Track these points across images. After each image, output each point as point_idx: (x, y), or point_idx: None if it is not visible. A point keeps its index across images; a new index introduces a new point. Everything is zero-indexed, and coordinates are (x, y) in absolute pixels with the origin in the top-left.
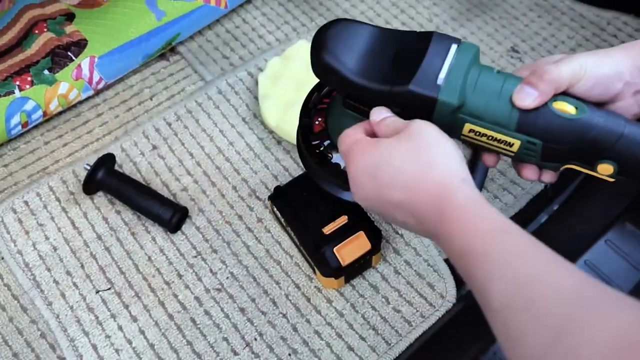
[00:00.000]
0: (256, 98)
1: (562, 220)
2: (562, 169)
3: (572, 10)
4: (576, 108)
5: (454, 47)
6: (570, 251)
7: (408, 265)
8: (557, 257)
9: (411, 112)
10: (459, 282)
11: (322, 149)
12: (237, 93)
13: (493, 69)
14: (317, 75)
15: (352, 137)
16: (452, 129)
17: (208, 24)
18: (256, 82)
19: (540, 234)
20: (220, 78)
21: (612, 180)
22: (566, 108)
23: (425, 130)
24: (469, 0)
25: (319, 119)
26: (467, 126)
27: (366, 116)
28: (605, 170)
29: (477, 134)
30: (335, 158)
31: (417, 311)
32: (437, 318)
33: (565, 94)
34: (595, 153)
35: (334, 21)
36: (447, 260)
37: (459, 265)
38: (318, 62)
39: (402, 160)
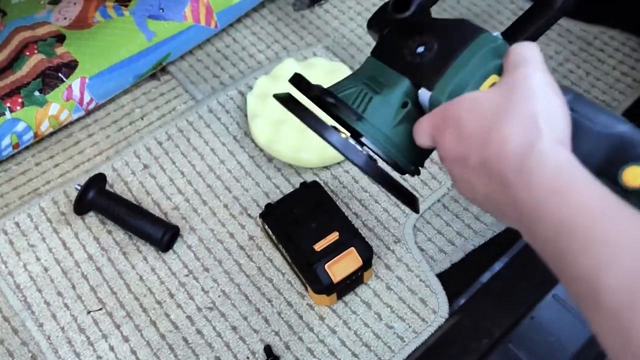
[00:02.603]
0: (247, 116)
1: None
2: None
3: (559, 26)
4: None
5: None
6: None
7: (400, 281)
8: None
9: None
10: (451, 296)
11: None
12: (227, 111)
13: None
14: None
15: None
16: None
17: (198, 44)
18: (247, 101)
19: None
20: (210, 97)
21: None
22: None
23: (531, 79)
24: (461, 17)
25: None
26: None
27: None
28: (634, 177)
29: None
30: None
31: (410, 327)
32: (430, 333)
33: None
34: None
35: None
36: (439, 275)
37: (547, 249)
38: None
39: (496, 111)
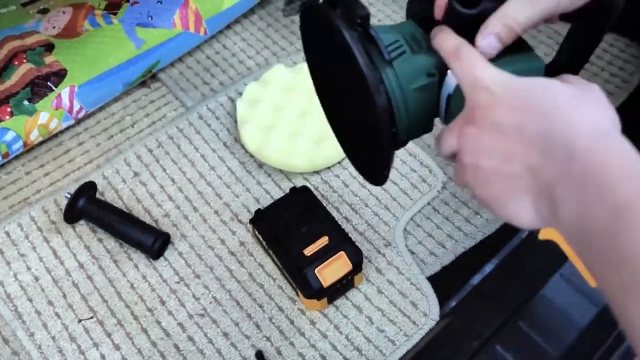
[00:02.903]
0: (237, 122)
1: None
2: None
3: (548, 28)
4: None
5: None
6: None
7: (391, 285)
8: None
9: None
10: (442, 299)
11: None
12: (217, 118)
13: None
14: None
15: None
16: None
17: (188, 51)
18: (236, 107)
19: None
20: (200, 103)
21: None
22: None
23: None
24: None
25: None
26: None
27: None
28: None
29: None
30: None
31: (401, 330)
32: (421, 336)
33: None
34: None
35: None
36: (429, 278)
37: (596, 228)
38: None
39: (571, 95)
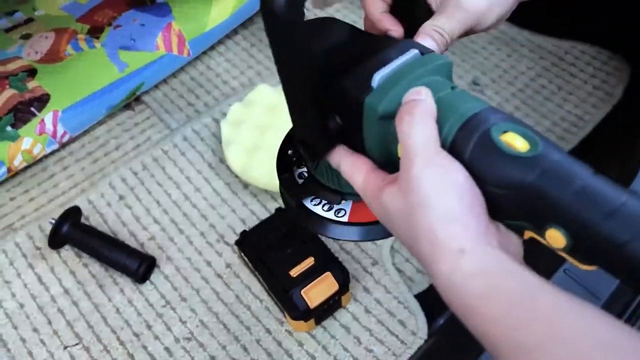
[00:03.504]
0: (222, 143)
1: None
2: (525, 237)
3: (530, 42)
4: (529, 143)
5: (413, 52)
6: None
7: (378, 304)
8: None
9: (346, 119)
10: (430, 317)
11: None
12: (202, 139)
13: (455, 87)
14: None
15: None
16: (384, 145)
17: (172, 72)
18: (221, 128)
19: None
20: (185, 125)
21: (576, 263)
22: (516, 143)
23: (420, 184)
24: None
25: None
26: (399, 146)
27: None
28: (555, 239)
29: None
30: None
31: (389, 350)
32: (409, 355)
33: (515, 122)
34: (541, 209)
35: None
36: (417, 296)
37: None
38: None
39: (404, 218)
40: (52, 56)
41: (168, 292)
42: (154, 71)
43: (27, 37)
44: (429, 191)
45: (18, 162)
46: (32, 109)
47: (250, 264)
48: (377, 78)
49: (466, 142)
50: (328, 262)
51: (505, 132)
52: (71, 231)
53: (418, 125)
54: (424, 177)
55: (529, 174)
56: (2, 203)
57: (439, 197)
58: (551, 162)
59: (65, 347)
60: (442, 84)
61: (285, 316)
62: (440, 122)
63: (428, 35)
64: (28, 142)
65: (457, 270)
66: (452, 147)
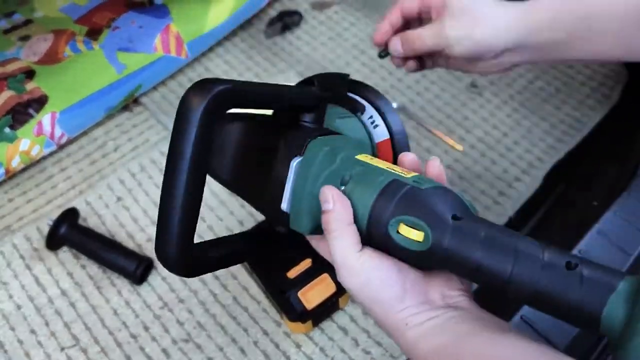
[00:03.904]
0: None
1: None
2: None
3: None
4: (424, 234)
5: (294, 163)
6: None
7: None
8: None
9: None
10: None
11: None
12: None
13: (355, 164)
14: None
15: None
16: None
17: (170, 74)
18: None
19: None
20: None
21: None
22: (412, 235)
23: (353, 293)
24: None
25: None
26: None
27: None
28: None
29: None
30: None
31: (387, 352)
32: (406, 358)
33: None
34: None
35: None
36: None
37: None
38: None
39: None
40: (51, 58)
41: (165, 293)
42: (152, 73)
43: (25, 38)
44: (363, 298)
45: (16, 164)
46: (30, 110)
47: (247, 266)
48: (285, 206)
49: (375, 238)
50: (325, 264)
51: (400, 223)
52: (69, 232)
53: (336, 240)
54: (352, 288)
55: (428, 261)
56: None
57: (371, 300)
58: (442, 250)
59: (63, 349)
60: (338, 173)
61: (282, 318)
62: (355, 215)
63: (398, 41)
64: (26, 143)
65: (407, 342)
66: (370, 237)
